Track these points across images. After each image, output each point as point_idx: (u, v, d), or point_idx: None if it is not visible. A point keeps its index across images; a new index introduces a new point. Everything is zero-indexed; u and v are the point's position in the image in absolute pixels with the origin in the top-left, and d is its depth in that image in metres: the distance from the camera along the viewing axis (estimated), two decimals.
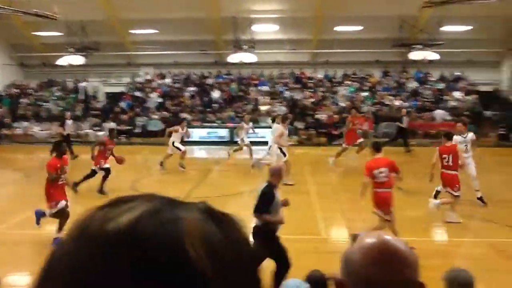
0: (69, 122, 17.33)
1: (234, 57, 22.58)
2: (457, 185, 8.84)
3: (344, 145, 14.80)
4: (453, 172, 8.91)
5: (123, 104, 23.34)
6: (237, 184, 11.38)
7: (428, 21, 21.65)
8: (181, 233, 0.52)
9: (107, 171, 11.10)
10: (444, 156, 8.94)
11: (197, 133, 21.01)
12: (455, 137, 9.73)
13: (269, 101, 23.36)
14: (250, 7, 21.94)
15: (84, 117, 22.80)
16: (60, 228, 7.73)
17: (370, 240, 1.15)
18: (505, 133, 19.40)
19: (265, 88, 24.57)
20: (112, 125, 17.84)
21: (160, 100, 23.72)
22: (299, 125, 21.37)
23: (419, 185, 11.51)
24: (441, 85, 24.59)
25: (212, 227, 0.55)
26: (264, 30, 23.46)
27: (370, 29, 22.37)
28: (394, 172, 7.46)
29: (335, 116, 21.36)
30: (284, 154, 12.03)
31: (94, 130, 20.99)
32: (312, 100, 23.27)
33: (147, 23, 22.48)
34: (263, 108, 22.78)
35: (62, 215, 7.77)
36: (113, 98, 24.42)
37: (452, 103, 23.01)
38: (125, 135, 20.21)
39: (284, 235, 8.29)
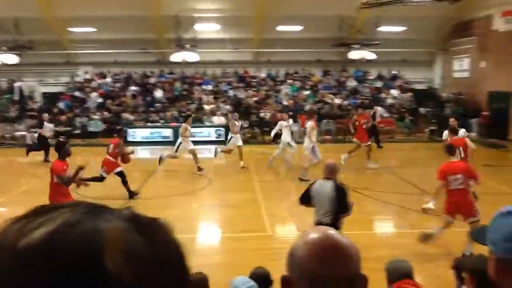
0: (48, 124, 16.67)
1: (176, 56, 22.37)
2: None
3: (363, 144, 14.63)
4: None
5: (61, 105, 22.52)
6: (181, 185, 11.31)
7: (365, 21, 22.38)
8: (100, 246, 0.49)
9: (122, 175, 10.56)
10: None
11: (139, 133, 20.66)
12: (446, 132, 10.26)
13: (213, 100, 23.34)
14: (192, 5, 21.80)
15: (20, 118, 21.80)
16: None
17: (314, 235, 1.16)
18: (436, 128, 20.42)
19: (208, 87, 24.50)
20: (50, 126, 17.09)
21: (100, 100, 23.08)
22: (243, 123, 21.47)
23: (361, 180, 11.94)
24: (379, 84, 25.52)
25: (135, 236, 0.53)
26: (207, 29, 23.40)
27: (311, 29, 22.83)
28: (471, 178, 7.12)
29: (278, 114, 21.64)
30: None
31: (31, 131, 20.09)
32: (256, 98, 23.47)
33: (86, 21, 21.79)
34: (207, 107, 22.73)
35: None
36: (51, 98, 23.50)
37: (390, 101, 23.96)
38: (63, 137, 19.50)
39: (230, 233, 8.37)
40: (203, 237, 8.62)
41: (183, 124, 13.90)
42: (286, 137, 13.94)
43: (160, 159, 13.62)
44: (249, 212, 9.69)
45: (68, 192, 7.30)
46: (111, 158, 10.66)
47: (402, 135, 21.83)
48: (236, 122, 14.65)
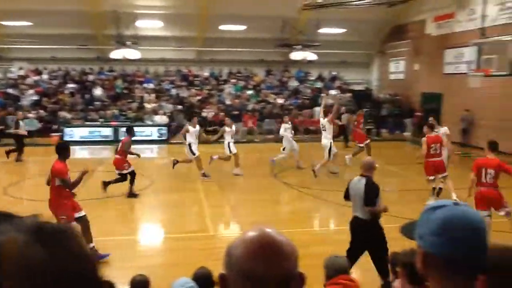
0: (21, 123, 16.11)
1: (117, 53, 21.83)
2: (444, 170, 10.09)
3: (359, 145, 14.97)
4: (439, 159, 10.10)
5: None
6: (122, 186, 11.06)
7: (307, 23, 22.83)
8: None
9: (133, 174, 10.74)
10: (431, 145, 10.00)
11: (78, 133, 19.99)
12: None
13: (155, 99, 22.99)
14: (133, 1, 21.35)
15: None
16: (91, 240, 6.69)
17: (251, 233, 1.15)
18: (372, 127, 21.21)
19: (150, 85, 24.10)
20: None
21: (36, 97, 22.12)
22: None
23: (300, 179, 12.20)
24: (320, 84, 26.13)
25: (36, 248, 0.51)
26: (149, 26, 22.97)
27: (254, 29, 23.00)
28: (505, 172, 7.41)
29: (221, 113, 21.66)
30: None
31: None
32: (199, 97, 23.36)
33: (20, 15, 20.78)
34: (149, 106, 22.36)
35: (85, 224, 6.79)
36: None
37: (330, 101, 24.55)
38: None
39: (172, 234, 8.31)
40: (145, 238, 8.51)
41: (186, 125, 13.48)
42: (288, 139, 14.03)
43: (174, 164, 13.17)
44: (192, 212, 9.68)
45: (70, 195, 6.93)
46: (119, 157, 10.83)
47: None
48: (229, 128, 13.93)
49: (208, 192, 11.23)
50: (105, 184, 10.77)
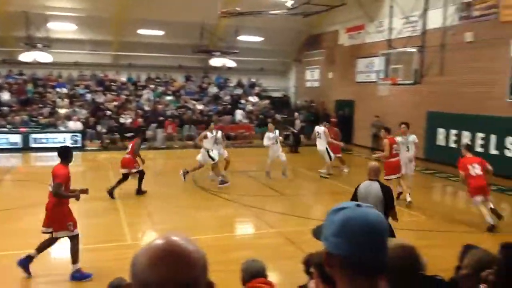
0: None
1: (26, 56, 20.66)
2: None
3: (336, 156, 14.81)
4: (398, 159, 11.01)
5: None
6: (31, 195, 10.48)
7: (225, 30, 23.04)
8: None
9: (142, 173, 11.40)
10: (394, 146, 11.02)
11: None
12: (397, 138, 11.32)
13: (69, 104, 22.03)
14: (44, 2, 20.30)
15: None
16: (76, 258, 6.44)
17: (156, 241, 1.13)
18: (290, 134, 21.80)
19: (64, 90, 23.05)
20: None
21: None
22: (102, 128, 20.65)
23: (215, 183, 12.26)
24: (239, 91, 26.45)
25: None
26: (61, 29, 21.95)
27: (173, 34, 22.81)
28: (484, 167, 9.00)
29: (139, 119, 21.23)
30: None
31: None
32: (116, 103, 22.71)
33: None
34: (61, 111, 21.36)
35: (76, 239, 6.50)
36: None
37: (249, 107, 24.96)
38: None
39: (88, 244, 8.00)
40: (57, 250, 8.14)
41: (204, 132, 13.19)
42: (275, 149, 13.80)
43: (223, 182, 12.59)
44: (108, 221, 9.39)
45: (68, 201, 6.64)
46: (129, 156, 11.40)
47: (260, 141, 22.84)
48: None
49: (125, 200, 10.96)
50: (111, 192, 10.98)
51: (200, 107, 23.93)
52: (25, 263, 6.32)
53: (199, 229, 8.74)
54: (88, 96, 22.97)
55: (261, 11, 18.84)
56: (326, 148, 14.03)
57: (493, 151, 14.56)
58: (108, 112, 21.73)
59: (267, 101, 25.84)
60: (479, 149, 14.91)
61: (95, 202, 10.41)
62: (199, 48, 23.17)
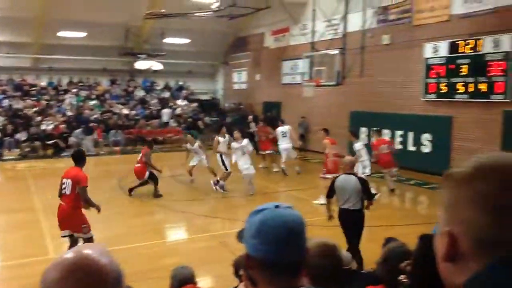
0: None
1: None
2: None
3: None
4: (336, 159, 11.26)
5: None
6: None
7: (151, 32, 22.67)
8: None
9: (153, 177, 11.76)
10: (332, 146, 11.55)
11: None
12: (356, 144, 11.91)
13: None
14: None
15: None
16: None
17: (66, 256, 1.11)
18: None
19: None
20: None
21: None
22: (22, 136, 19.56)
23: (150, 190, 12.05)
24: (166, 94, 26.12)
25: None
26: None
27: (95, 36, 22.07)
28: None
29: (62, 126, 20.35)
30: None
31: None
32: (36, 109, 21.60)
33: None
34: None
35: (91, 241, 6.61)
36: None
37: (177, 111, 24.70)
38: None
39: (6, 261, 7.56)
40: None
41: (216, 137, 12.82)
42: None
43: (222, 187, 12.31)
44: (28, 234, 8.91)
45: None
46: (139, 165, 11.80)
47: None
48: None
49: (48, 211, 10.44)
50: (130, 190, 11.77)
51: (126, 111, 23.34)
52: None
53: (130, 237, 8.55)
54: (5, 102, 21.68)
55: (187, 13, 18.73)
56: (292, 146, 14.42)
57: (411, 147, 15.43)
58: (28, 119, 20.64)
59: (195, 104, 25.72)
60: (398, 146, 15.75)
61: (15, 214, 9.88)
62: (124, 50, 22.63)
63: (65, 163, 11.84)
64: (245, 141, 11.99)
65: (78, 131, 20.08)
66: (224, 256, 7.49)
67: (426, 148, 14.98)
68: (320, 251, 2.34)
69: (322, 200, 11.04)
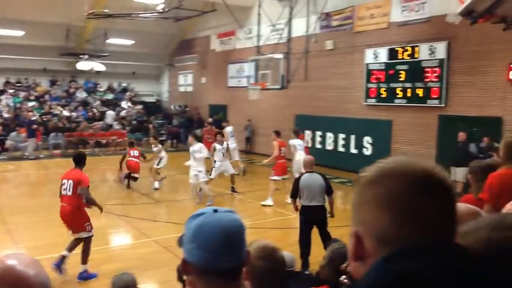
0: None
1: None
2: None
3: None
4: (284, 160, 11.70)
5: None
6: None
7: (94, 32, 22.09)
8: None
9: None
10: (282, 148, 11.70)
11: None
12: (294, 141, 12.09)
13: None
14: None
15: None
16: (86, 258, 6.88)
17: None
18: (165, 139, 21.61)
19: None
20: None
21: None
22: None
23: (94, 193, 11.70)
24: (110, 96, 25.51)
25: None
26: None
27: (35, 35, 21.24)
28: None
29: None
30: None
31: None
32: None
33: None
34: None
35: (90, 240, 6.95)
36: None
37: (121, 113, 24.19)
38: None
39: None
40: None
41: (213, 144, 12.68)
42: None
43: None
44: None
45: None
46: (137, 161, 12.99)
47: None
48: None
49: None
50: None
51: (67, 113, 22.59)
52: (59, 264, 6.75)
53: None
54: None
55: (131, 14, 18.41)
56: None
57: (353, 150, 15.91)
58: None
59: (140, 106, 25.28)
60: (341, 148, 16.21)
61: None
62: (66, 50, 21.92)
63: (2, 167, 11.37)
64: (197, 146, 11.38)
65: (14, 133, 19.22)
66: (168, 261, 7.45)
67: (368, 151, 15.49)
68: (259, 254, 2.39)
69: (270, 201, 11.22)
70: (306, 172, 7.25)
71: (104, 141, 21.19)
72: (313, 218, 7.11)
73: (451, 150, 12.23)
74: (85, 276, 6.91)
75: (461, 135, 12.02)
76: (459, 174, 11.21)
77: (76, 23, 21.04)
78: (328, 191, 7.16)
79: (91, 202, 7.00)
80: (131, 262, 7.45)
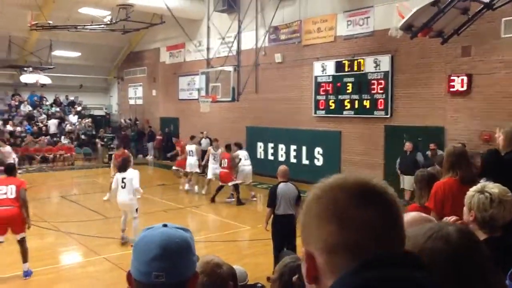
0: None
1: None
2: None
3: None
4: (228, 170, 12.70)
5: None
6: None
7: (38, 44, 21.44)
8: None
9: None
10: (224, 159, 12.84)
11: None
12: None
13: None
14: None
15: None
16: (26, 257, 7.32)
17: None
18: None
19: None
20: None
21: None
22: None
23: (39, 212, 11.33)
24: (57, 109, 24.76)
25: None
26: None
27: None
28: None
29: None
30: None
31: None
32: None
33: None
34: None
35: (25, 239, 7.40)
36: None
37: (68, 127, 23.51)
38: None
39: None
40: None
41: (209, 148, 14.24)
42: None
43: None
44: None
45: None
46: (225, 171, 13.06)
47: (82, 162, 21.67)
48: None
49: None
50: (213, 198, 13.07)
51: (10, 127, 21.71)
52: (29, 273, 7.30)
53: (16, 264, 7.94)
54: None
55: (76, 26, 17.99)
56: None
57: (305, 161, 16.17)
58: None
59: (88, 120, 24.66)
60: (293, 160, 16.42)
61: None
62: (8, 63, 21.12)
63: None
64: (219, 151, 13.58)
65: None
66: (119, 278, 7.28)
67: (319, 162, 15.78)
68: (200, 269, 2.40)
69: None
70: (281, 181, 7.32)
71: (51, 156, 20.50)
72: (285, 227, 7.14)
73: (398, 159, 12.68)
74: (30, 273, 7.36)
75: (408, 145, 12.50)
76: (406, 182, 11.64)
77: (18, 34, 20.36)
78: (298, 200, 7.28)
79: (26, 205, 7.33)
80: (81, 282, 7.26)
